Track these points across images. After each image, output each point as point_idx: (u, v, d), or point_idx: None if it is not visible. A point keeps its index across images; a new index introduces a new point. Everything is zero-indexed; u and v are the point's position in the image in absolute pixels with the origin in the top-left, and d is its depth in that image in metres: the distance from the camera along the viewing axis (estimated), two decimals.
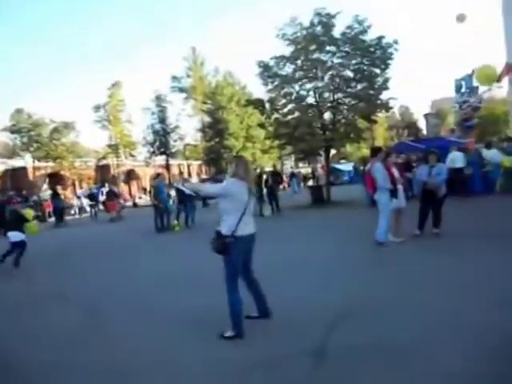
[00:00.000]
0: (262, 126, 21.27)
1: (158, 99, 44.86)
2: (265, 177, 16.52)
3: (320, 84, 18.05)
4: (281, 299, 4.97)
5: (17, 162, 40.51)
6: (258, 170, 17.79)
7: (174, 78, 47.79)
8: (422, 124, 79.58)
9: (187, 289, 6.34)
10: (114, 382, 3.67)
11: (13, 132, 37.50)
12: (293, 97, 18.46)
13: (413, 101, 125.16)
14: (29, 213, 9.81)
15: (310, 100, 18.55)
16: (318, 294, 5.45)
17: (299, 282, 6.06)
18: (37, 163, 38.43)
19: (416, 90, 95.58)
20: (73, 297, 6.57)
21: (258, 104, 19.76)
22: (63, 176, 39.51)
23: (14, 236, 9.23)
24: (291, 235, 10.70)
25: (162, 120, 45.02)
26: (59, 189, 22.77)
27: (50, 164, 38.84)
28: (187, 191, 5.16)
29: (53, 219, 22.81)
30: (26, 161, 38.68)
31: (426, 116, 74.61)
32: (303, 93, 18.64)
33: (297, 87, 18.61)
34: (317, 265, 7.08)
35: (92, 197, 25.27)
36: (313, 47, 17.82)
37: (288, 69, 18.68)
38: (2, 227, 14.13)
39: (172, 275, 7.31)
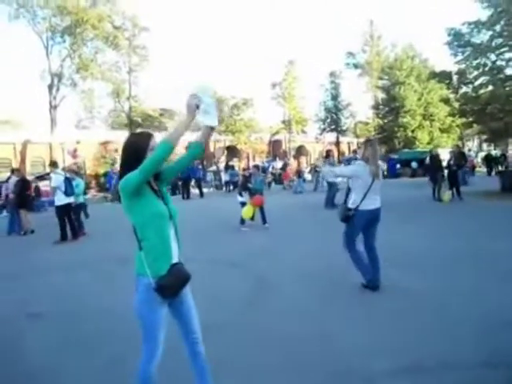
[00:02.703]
0: (445, 101, 19.33)
1: (332, 76, 44.52)
2: (448, 158, 14.86)
3: None
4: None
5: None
6: (434, 151, 15.87)
7: (349, 54, 46.79)
8: None
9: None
10: None
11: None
12: (487, 68, 16.18)
13: None
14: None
15: (510, 71, 16.02)
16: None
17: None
18: (217, 136, 41.76)
19: None
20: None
21: (443, 77, 17.90)
22: (239, 149, 42.23)
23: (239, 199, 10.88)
24: (472, 229, 9.33)
25: (335, 97, 44.62)
26: (235, 161, 24.45)
27: (229, 137, 41.81)
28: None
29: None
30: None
31: None
32: (501, 63, 16.17)
33: (493, 57, 16.22)
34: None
35: (263, 170, 26.72)
36: None
37: (484, 36, 16.38)
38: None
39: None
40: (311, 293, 5.17)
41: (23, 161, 32.54)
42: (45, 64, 32.47)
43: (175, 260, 2.46)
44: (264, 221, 10.37)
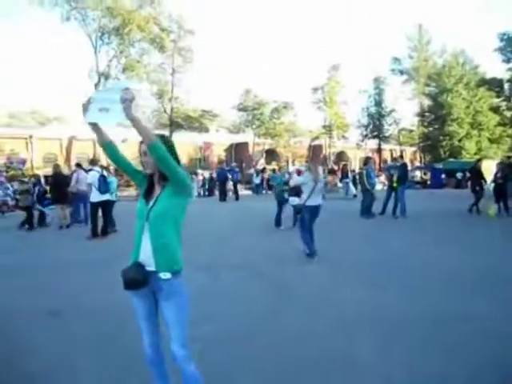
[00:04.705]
0: (495, 110, 18.36)
1: (376, 81, 43.57)
2: (494, 169, 13.99)
3: None
4: None
5: (240, 137, 44.77)
6: (478, 164, 14.35)
7: (395, 60, 45.64)
8: None
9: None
10: None
11: (240, 110, 41.34)
12: None
13: None
14: None
15: None
16: None
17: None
18: (257, 139, 41.67)
19: None
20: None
21: (493, 84, 17.03)
22: (278, 153, 41.96)
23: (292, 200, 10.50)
24: None
25: (378, 103, 43.67)
26: (274, 164, 24.42)
27: (268, 141, 41.61)
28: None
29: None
30: (248, 136, 42.47)
31: None
32: None
33: None
34: None
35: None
36: None
37: None
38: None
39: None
40: (332, 312, 4.86)
41: (68, 156, 33.75)
42: (93, 63, 33.43)
43: (141, 260, 2.53)
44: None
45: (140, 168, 2.68)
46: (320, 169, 7.64)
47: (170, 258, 2.51)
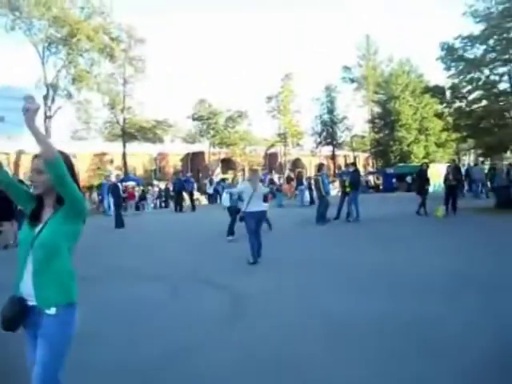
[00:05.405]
0: (439, 116, 19.29)
1: (328, 89, 44.68)
2: (442, 172, 14.63)
3: None
4: None
5: (196, 147, 44.60)
6: (424, 165, 14.99)
7: (345, 68, 46.99)
8: None
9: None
10: None
11: (194, 119, 41.19)
12: (480, 82, 16.11)
13: None
14: None
15: (503, 86, 15.96)
16: None
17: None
18: (212, 149, 41.61)
19: None
20: None
21: (436, 91, 17.83)
22: (234, 162, 42.07)
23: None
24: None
25: (331, 110, 44.75)
26: (231, 173, 24.65)
27: (224, 150, 41.64)
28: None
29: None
30: (204, 146, 42.36)
31: None
32: (494, 78, 16.12)
33: (486, 71, 16.17)
34: None
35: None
36: (510, 24, 15.20)
37: (477, 50, 16.35)
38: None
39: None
40: (284, 319, 4.91)
41: (16, 171, 32.41)
42: (40, 74, 32.30)
43: (24, 293, 2.21)
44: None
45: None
46: (258, 178, 8.29)
47: (55, 291, 2.19)
